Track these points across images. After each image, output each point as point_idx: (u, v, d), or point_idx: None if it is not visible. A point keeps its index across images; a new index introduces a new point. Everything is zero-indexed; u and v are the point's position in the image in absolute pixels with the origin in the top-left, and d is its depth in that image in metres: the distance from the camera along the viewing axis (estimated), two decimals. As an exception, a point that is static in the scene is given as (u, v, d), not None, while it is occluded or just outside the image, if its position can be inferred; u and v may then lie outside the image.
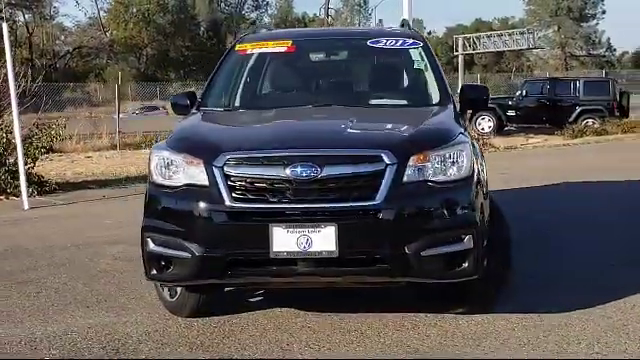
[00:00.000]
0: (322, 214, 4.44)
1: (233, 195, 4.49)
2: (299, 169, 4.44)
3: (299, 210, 4.45)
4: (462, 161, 4.64)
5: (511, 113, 26.28)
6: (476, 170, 4.78)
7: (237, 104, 5.92)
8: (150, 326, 5.16)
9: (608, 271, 6.30)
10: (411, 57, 6.22)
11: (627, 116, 25.45)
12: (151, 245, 4.72)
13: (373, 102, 5.88)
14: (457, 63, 70.47)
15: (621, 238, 7.64)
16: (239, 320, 5.20)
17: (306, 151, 4.53)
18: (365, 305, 5.34)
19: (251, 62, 6.32)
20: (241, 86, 6.19)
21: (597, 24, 77.89)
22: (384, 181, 4.42)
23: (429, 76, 5.96)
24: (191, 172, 4.67)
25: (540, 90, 26.58)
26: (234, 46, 6.32)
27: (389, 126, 5.10)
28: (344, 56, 6.57)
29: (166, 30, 68.43)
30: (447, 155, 4.61)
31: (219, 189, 4.52)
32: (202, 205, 4.54)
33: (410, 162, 4.49)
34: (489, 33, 66.06)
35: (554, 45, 75.92)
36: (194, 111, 5.76)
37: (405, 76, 6.27)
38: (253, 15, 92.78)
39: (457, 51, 66.96)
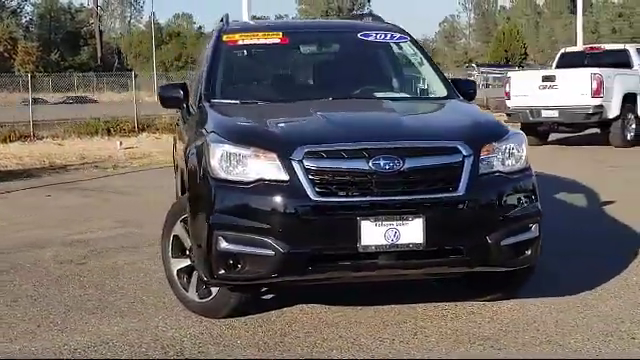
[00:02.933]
0: (409, 206, 4.47)
1: (317, 189, 4.42)
2: (382, 161, 4.45)
3: (387, 203, 4.45)
4: (522, 152, 4.85)
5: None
6: None
7: (253, 97, 5.71)
8: (191, 328, 4.93)
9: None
10: (405, 50, 6.36)
11: None
12: (224, 244, 4.51)
13: (380, 95, 5.94)
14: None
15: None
16: (284, 317, 5.09)
17: (389, 143, 4.55)
18: (395, 297, 5.40)
19: (246, 53, 6.16)
20: (246, 78, 6.03)
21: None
22: (464, 172, 4.54)
23: (427, 69, 6.12)
24: (264, 166, 4.52)
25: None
26: (220, 37, 6.09)
27: (445, 118, 5.20)
28: (336, 49, 6.55)
29: None
30: (510, 147, 4.80)
31: (301, 183, 4.42)
32: (286, 200, 4.42)
33: (482, 154, 4.64)
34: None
35: (326, 43, 78.45)
36: (204, 104, 5.50)
37: (404, 69, 6.37)
38: (14, 3, 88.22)
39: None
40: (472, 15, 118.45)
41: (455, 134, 4.72)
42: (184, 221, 5.16)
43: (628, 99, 16.55)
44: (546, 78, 16.72)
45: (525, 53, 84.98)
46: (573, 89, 16.10)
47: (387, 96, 5.93)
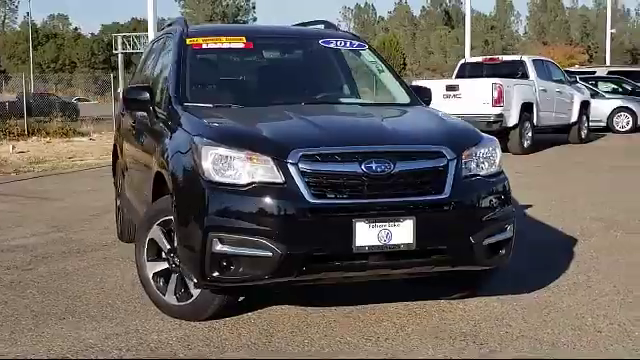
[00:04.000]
0: (401, 208, 4.63)
1: (312, 192, 4.52)
2: (374, 164, 4.60)
3: (380, 205, 4.60)
4: (496, 156, 5.09)
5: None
6: None
7: (224, 101, 5.71)
8: (173, 331, 4.93)
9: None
10: (365, 58, 6.52)
11: None
12: (218, 246, 4.54)
13: (346, 100, 6.08)
14: (116, 62, 69.72)
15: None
16: (262, 318, 5.16)
17: (380, 147, 4.71)
18: (362, 296, 5.55)
19: (213, 57, 6.18)
20: (215, 82, 6.05)
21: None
22: (448, 175, 4.74)
23: (388, 76, 6.32)
24: (258, 169, 4.58)
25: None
26: (184, 40, 6.07)
27: (425, 124, 5.37)
28: (300, 55, 6.63)
29: None
30: (486, 151, 5.03)
31: (297, 186, 4.52)
32: (283, 202, 4.50)
33: (462, 157, 4.86)
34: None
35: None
36: (176, 107, 5.48)
37: (366, 76, 6.52)
38: None
39: (116, 50, 66.24)
40: (352, 25, 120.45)
41: (439, 139, 4.92)
42: (161, 224, 5.17)
43: (525, 108, 17.31)
44: (450, 87, 17.29)
45: (404, 63, 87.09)
46: (475, 98, 16.71)
47: (354, 101, 6.09)
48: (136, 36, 65.29)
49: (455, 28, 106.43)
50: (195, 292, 5.03)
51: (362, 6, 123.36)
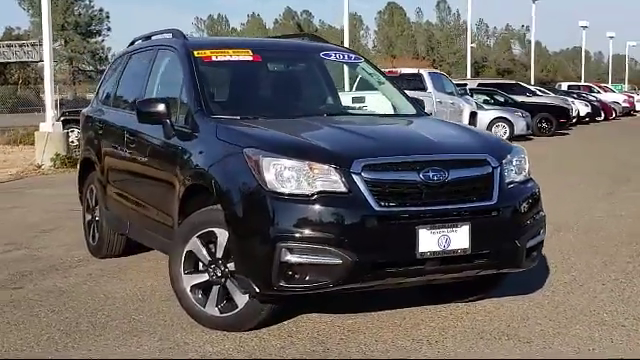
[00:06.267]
0: (458, 214, 4.83)
1: (377, 200, 4.65)
2: (430, 173, 4.79)
3: (439, 211, 4.78)
4: (526, 164, 5.38)
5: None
6: None
7: (248, 113, 5.67)
8: (222, 342, 4.92)
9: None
10: (365, 70, 6.69)
11: None
12: (287, 255, 4.59)
13: (361, 112, 6.23)
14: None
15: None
16: (296, 325, 5.22)
17: (436, 156, 4.91)
18: (383, 302, 5.69)
19: (224, 70, 6.16)
20: (232, 94, 6.05)
21: (103, 40, 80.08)
22: (494, 182, 4.99)
23: (390, 88, 6.53)
24: (321, 179, 4.67)
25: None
26: (190, 52, 6.03)
27: (458, 134, 5.57)
28: (305, 67, 6.70)
29: None
30: (518, 159, 5.30)
31: (363, 195, 4.64)
32: (352, 211, 4.61)
33: (503, 165, 5.12)
34: (-3, 42, 63.76)
35: (62, 59, 75.69)
36: (203, 119, 5.47)
37: (370, 88, 6.68)
38: None
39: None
40: (205, 35, 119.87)
41: (482, 147, 5.19)
42: (201, 236, 5.14)
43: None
44: (356, 99, 17.63)
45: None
46: (380, 110, 17.09)
47: (372, 113, 6.26)
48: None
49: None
50: (241, 303, 5.03)
51: (215, 17, 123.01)
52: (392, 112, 6.51)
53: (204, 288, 5.18)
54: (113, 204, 6.94)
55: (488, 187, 4.97)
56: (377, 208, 4.64)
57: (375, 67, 6.74)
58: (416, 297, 5.83)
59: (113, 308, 5.77)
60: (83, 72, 77.64)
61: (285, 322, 5.30)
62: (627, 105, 49.76)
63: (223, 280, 5.08)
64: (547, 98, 32.09)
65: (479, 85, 29.03)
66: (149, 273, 6.83)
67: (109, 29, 79.46)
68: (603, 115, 40.54)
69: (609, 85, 61.34)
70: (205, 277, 5.16)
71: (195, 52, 6.04)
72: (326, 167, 4.69)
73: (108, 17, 79.15)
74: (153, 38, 7.10)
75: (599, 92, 48.13)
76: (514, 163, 5.25)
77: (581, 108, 35.91)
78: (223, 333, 5.08)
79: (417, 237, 4.70)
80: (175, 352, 4.79)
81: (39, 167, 16.90)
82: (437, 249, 4.76)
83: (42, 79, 23.52)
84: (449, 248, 4.79)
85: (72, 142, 25.36)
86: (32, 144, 19.67)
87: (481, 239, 4.89)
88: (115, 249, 7.29)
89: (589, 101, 39.43)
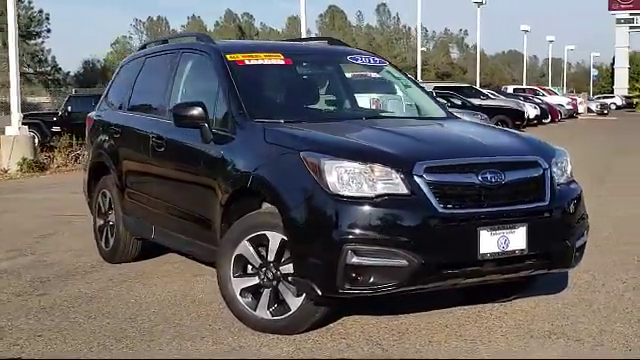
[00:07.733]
0: (516, 215, 4.90)
1: (439, 202, 4.69)
2: (489, 175, 4.86)
3: (498, 213, 4.85)
4: (569, 166, 5.49)
5: (56, 129, 25.73)
6: None
7: (290, 116, 5.66)
8: (280, 344, 4.91)
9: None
10: (391, 74, 6.74)
11: None
12: (354, 258, 4.60)
13: (395, 115, 6.27)
14: None
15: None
16: (356, 327, 5.24)
17: (493, 158, 4.99)
18: (418, 305, 5.72)
19: (258, 74, 6.11)
20: (270, 98, 6.07)
21: (43, 42, 78.54)
22: (546, 183, 5.09)
23: (417, 91, 6.58)
24: (383, 181, 4.70)
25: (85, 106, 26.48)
26: (223, 56, 5.98)
27: (507, 137, 5.63)
28: (335, 71, 6.69)
29: None
30: (562, 160, 5.40)
31: (427, 197, 4.68)
32: (417, 213, 4.65)
33: (551, 166, 5.22)
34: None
35: (1, 60, 74.05)
36: (248, 123, 5.45)
37: (399, 91, 6.71)
38: None
39: None
40: (144, 37, 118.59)
41: (532, 150, 5.29)
42: (252, 240, 5.12)
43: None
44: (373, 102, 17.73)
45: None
46: (402, 113, 17.24)
47: (411, 115, 6.34)
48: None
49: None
50: (294, 306, 5.02)
51: (154, 19, 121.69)
52: (417, 115, 6.57)
53: (254, 292, 5.17)
54: (134, 208, 6.84)
55: (541, 188, 5.06)
56: (440, 210, 4.68)
57: (400, 70, 6.78)
58: (449, 298, 5.89)
59: (150, 313, 5.70)
60: (23, 75, 75.95)
61: (332, 324, 5.31)
62: (571, 107, 50.93)
63: (275, 283, 5.07)
64: (501, 101, 32.68)
65: (435, 89, 29.31)
66: (171, 277, 6.77)
67: (49, 30, 77.99)
68: (550, 117, 41.39)
69: (552, 88, 62.63)
70: (255, 280, 5.15)
71: (228, 56, 6.01)
72: (388, 169, 4.71)
73: (48, 19, 77.72)
74: (170, 42, 7.04)
75: (544, 95, 49.11)
76: (559, 165, 5.35)
77: (530, 110, 36.64)
78: (276, 336, 5.07)
79: (479, 238, 4.76)
80: (235, 354, 4.76)
81: (5, 172, 16.53)
82: (497, 250, 4.83)
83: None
84: (508, 249, 4.86)
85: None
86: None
87: (536, 240, 4.97)
88: (131, 254, 7.20)
89: (537, 104, 40.27)
